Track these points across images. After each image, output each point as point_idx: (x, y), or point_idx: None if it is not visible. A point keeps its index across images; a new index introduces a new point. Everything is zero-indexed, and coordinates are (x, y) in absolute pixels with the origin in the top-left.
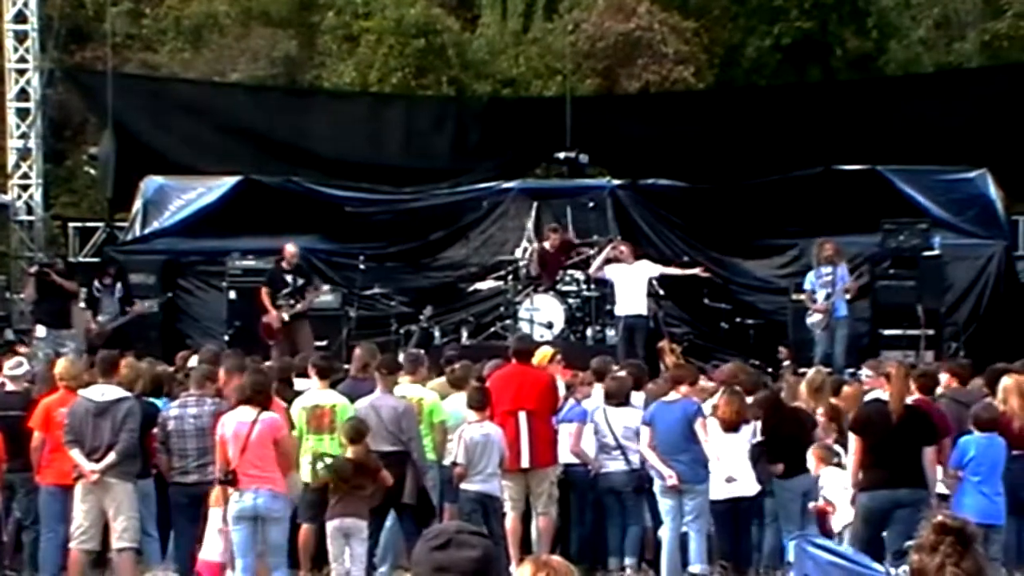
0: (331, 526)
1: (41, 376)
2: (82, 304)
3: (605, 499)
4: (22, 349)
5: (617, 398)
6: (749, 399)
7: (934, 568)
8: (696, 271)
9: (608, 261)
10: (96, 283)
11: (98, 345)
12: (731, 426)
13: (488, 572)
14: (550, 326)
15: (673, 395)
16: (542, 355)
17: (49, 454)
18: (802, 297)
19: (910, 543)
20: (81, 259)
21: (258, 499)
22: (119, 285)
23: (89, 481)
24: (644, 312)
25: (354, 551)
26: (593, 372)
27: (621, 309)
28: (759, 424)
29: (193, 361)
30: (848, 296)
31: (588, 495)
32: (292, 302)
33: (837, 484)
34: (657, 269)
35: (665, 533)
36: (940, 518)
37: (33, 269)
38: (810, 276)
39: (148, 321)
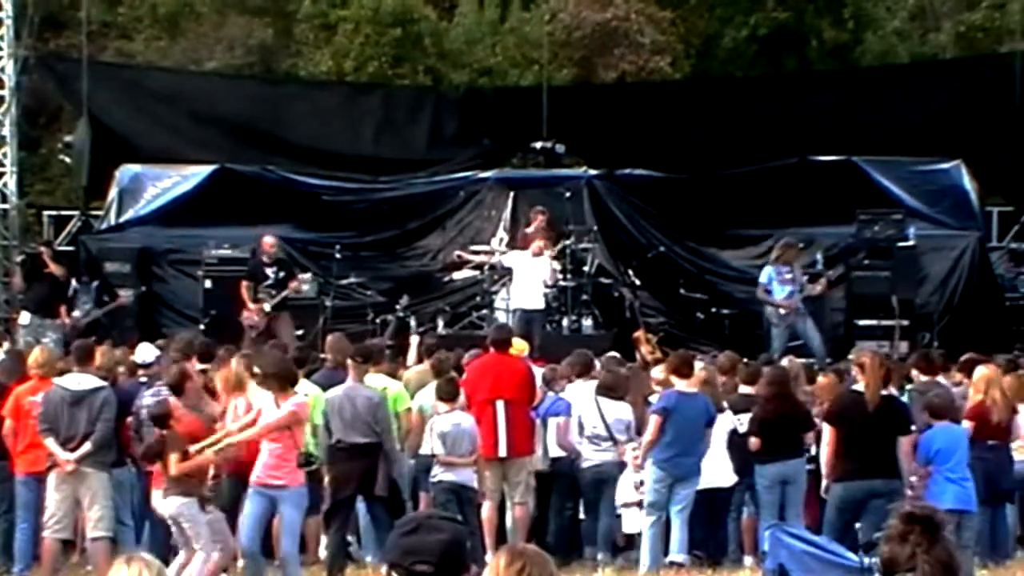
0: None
1: (5, 365)
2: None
3: (587, 490)
4: None
5: (613, 391)
6: (747, 389)
7: (905, 557)
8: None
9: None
10: (74, 282)
11: (74, 339)
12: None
13: (458, 555)
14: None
15: (690, 388)
16: (518, 348)
17: (22, 443)
18: (761, 294)
19: (879, 534)
20: (57, 248)
21: None
22: (95, 283)
23: (64, 471)
24: (541, 306)
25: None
26: (573, 366)
27: (517, 302)
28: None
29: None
30: (818, 291)
31: (571, 486)
32: (273, 293)
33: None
34: (551, 273)
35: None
36: (907, 508)
37: (20, 258)
38: (768, 271)
39: (124, 311)
